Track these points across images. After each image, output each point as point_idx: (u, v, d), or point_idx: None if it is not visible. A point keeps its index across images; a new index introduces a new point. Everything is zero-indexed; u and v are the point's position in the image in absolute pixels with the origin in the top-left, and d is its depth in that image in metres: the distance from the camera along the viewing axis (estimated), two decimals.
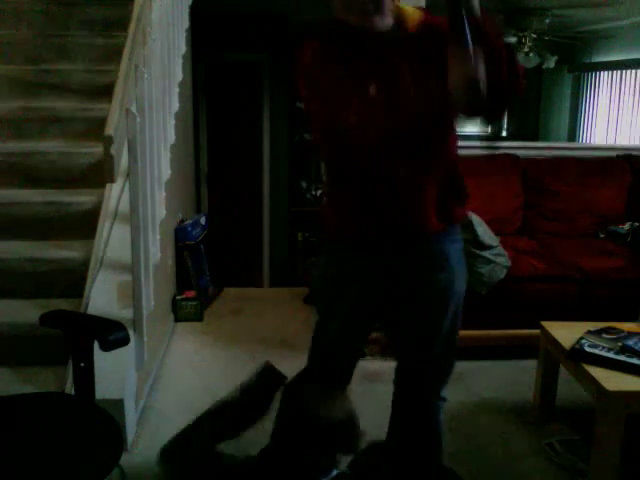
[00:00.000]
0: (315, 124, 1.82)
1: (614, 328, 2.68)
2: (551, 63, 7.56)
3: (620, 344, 2.51)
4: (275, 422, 1.98)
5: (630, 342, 2.51)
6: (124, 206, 3.06)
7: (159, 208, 3.26)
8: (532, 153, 4.40)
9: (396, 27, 1.70)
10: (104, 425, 1.80)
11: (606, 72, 7.94)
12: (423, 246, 1.88)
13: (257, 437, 2.02)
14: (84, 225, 3.18)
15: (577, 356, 2.50)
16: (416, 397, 2.08)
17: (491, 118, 1.75)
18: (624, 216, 4.14)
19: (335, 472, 1.88)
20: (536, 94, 9.38)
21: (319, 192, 7.33)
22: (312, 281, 2.13)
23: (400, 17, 1.71)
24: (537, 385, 2.95)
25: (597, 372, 2.38)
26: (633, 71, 7.36)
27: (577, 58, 8.61)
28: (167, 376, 3.35)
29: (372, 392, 3.03)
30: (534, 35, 6.97)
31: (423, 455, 2.12)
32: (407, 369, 2.07)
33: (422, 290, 1.92)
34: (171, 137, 3.61)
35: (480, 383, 3.31)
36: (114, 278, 2.93)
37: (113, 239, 3.07)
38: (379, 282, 1.92)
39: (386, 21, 1.70)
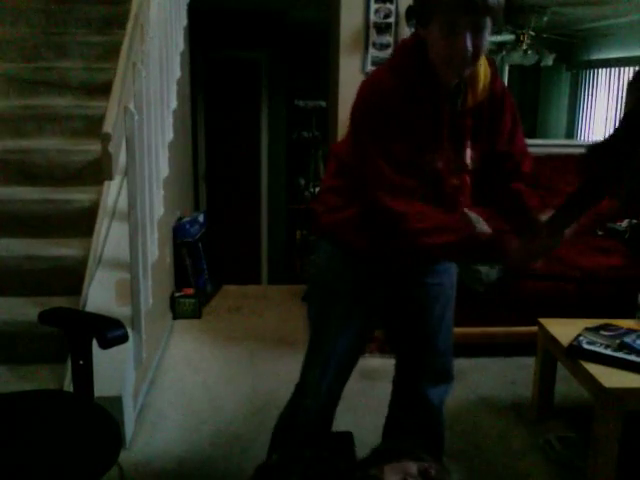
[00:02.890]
0: (390, 160, 1.75)
1: (612, 325, 2.68)
2: (549, 61, 7.55)
3: (618, 341, 2.51)
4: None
5: (628, 339, 2.51)
6: (122, 204, 3.07)
7: (157, 206, 3.26)
8: (530, 150, 4.38)
9: (466, 89, 1.76)
10: (102, 422, 1.80)
11: (604, 70, 7.94)
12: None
13: None
14: (82, 223, 3.18)
15: (575, 353, 2.50)
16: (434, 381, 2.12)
17: None
18: (622, 213, 4.14)
19: None
20: (534, 92, 9.38)
21: (317, 190, 7.32)
22: (309, 281, 2.11)
23: (474, 74, 1.75)
24: (535, 382, 2.95)
25: (595, 369, 2.38)
26: (631, 69, 7.36)
27: (575, 56, 8.60)
28: (165, 374, 3.35)
29: (371, 390, 3.04)
30: (532, 33, 6.97)
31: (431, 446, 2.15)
32: (420, 358, 2.10)
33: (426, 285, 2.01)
34: (169, 135, 3.61)
35: (478, 380, 3.31)
36: (112, 276, 2.94)
37: (111, 237, 3.07)
38: (384, 286, 1.99)
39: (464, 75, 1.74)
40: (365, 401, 2.93)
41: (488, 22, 1.63)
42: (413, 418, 2.16)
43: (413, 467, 1.79)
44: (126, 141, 2.64)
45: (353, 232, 1.91)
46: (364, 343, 2.15)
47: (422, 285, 2.00)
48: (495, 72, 1.84)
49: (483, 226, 1.91)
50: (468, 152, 1.81)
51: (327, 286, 2.03)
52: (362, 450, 2.28)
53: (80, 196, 3.29)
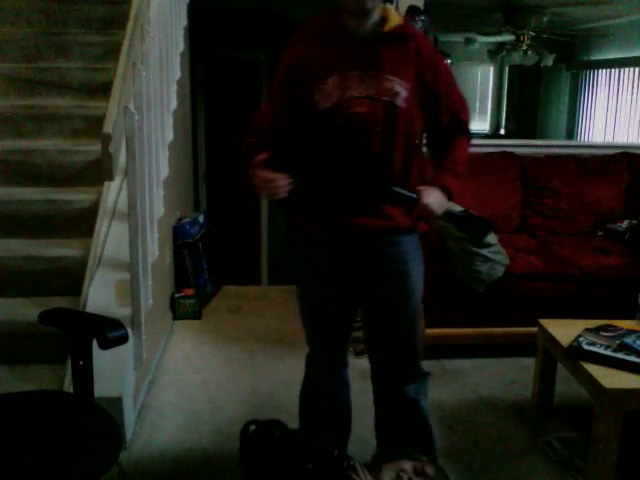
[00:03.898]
0: (301, 107, 2.03)
1: (612, 326, 2.68)
2: (549, 61, 7.56)
3: (618, 342, 2.51)
4: None
5: (628, 340, 2.51)
6: (122, 204, 3.07)
7: (157, 206, 3.26)
8: (530, 151, 4.40)
9: (377, 27, 1.95)
10: (103, 423, 1.80)
11: (604, 70, 7.94)
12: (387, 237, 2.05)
13: None
14: (82, 223, 3.18)
15: (575, 354, 2.50)
16: (400, 379, 2.20)
17: None
18: (622, 214, 4.14)
19: None
20: (534, 92, 9.40)
21: None
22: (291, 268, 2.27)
23: (384, 18, 1.96)
24: (535, 383, 2.95)
25: (595, 370, 2.38)
26: (631, 69, 7.37)
27: (575, 56, 8.61)
28: (165, 374, 3.35)
29: (368, 389, 3.03)
30: (532, 33, 6.98)
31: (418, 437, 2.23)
32: (384, 354, 2.19)
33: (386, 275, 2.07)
34: (169, 135, 3.61)
35: (478, 381, 3.31)
36: (112, 276, 2.94)
37: (111, 237, 3.07)
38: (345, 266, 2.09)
39: (373, 19, 1.94)
40: (365, 401, 2.92)
41: None
42: (395, 415, 2.24)
43: (407, 465, 1.82)
44: (126, 141, 2.64)
45: (292, 217, 2.17)
46: (344, 323, 2.23)
47: (376, 275, 2.06)
48: (412, 26, 2.08)
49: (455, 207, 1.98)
50: (386, 81, 1.90)
51: (295, 276, 2.22)
52: (362, 449, 2.30)
53: (80, 196, 3.29)
